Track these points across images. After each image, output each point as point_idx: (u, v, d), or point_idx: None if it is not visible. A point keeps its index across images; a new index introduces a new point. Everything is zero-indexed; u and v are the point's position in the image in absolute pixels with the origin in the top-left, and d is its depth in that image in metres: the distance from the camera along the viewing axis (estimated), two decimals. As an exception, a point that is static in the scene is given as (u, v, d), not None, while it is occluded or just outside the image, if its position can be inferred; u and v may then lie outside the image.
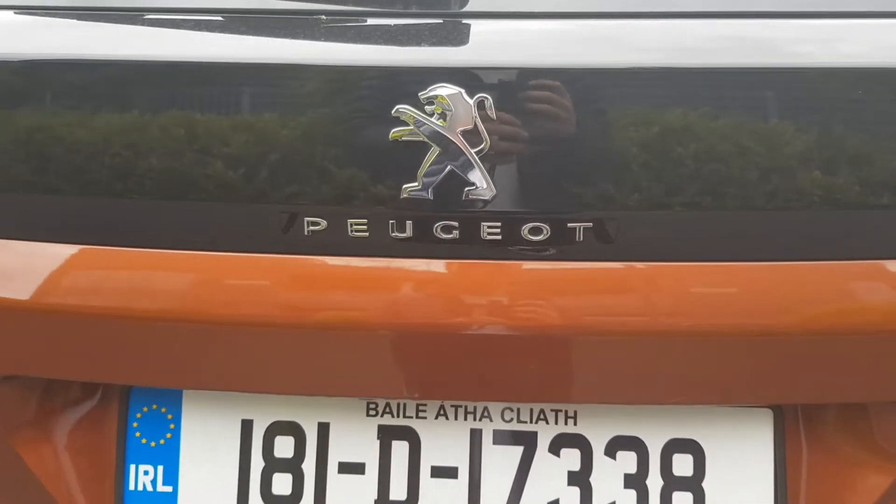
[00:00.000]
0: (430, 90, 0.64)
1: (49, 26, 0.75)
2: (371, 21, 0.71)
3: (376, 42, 0.69)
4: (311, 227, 0.67)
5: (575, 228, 0.66)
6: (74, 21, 0.74)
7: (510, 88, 0.64)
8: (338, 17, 0.70)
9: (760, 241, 0.68)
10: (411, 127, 0.64)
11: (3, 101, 0.69)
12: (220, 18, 0.71)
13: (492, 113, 0.64)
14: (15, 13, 0.74)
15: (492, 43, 0.68)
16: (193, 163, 0.67)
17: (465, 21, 0.70)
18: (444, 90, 0.63)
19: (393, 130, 0.64)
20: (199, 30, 0.71)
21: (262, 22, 0.71)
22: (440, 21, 0.71)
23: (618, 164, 0.66)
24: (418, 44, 0.69)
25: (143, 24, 0.71)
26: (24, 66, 0.71)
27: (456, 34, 0.69)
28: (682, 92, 0.66)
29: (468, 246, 0.67)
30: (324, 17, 0.69)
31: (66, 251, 0.71)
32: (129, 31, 0.71)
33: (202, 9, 0.72)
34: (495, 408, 0.75)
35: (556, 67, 0.66)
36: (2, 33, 0.73)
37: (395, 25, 0.70)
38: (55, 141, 0.68)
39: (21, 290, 0.71)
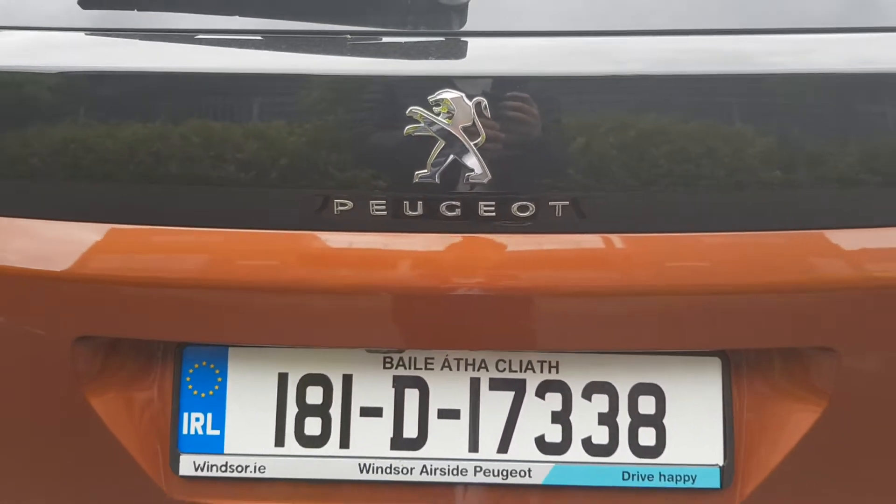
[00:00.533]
0: (437, 94, 0.79)
1: (110, 45, 0.90)
2: (386, 39, 0.87)
3: (392, 56, 0.84)
4: (340, 208, 0.82)
5: (555, 206, 0.81)
6: (134, 41, 0.89)
7: (502, 93, 0.80)
8: (360, 36, 0.86)
9: (708, 216, 0.83)
10: (422, 124, 0.79)
11: (91, 107, 0.84)
12: (278, 38, 0.87)
13: (487, 112, 0.79)
14: (85, 34, 0.89)
15: (486, 56, 0.83)
16: (248, 161, 0.82)
17: (463, 38, 0.85)
18: (449, 94, 0.79)
19: (407, 127, 0.79)
20: (262, 48, 0.87)
21: (306, 40, 0.86)
22: (443, 38, 0.86)
23: (588, 154, 0.81)
24: (426, 57, 0.84)
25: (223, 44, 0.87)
26: (99, 76, 0.85)
27: (457, 49, 0.84)
28: (641, 97, 0.82)
29: (468, 221, 0.82)
30: (349, 36, 0.85)
31: (134, 231, 0.85)
32: (201, 48, 0.86)
33: (264, 30, 0.87)
34: (490, 359, 0.90)
35: (538, 76, 0.81)
36: (72, 50, 0.88)
37: (406, 42, 0.86)
38: (143, 148, 0.83)
39: (97, 265, 0.85)
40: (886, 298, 0.83)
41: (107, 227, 0.85)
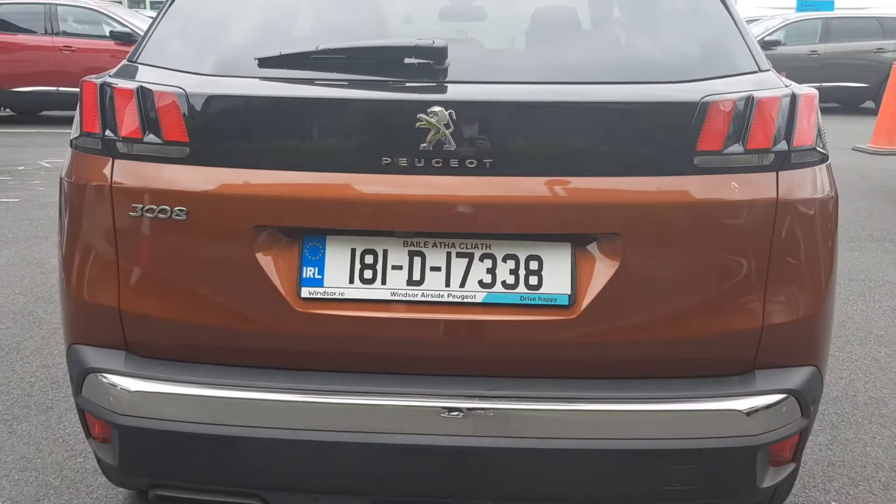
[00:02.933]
0: (432, 108, 1.71)
1: (271, 84, 1.83)
2: (408, 83, 1.80)
3: (412, 92, 1.77)
4: (384, 161, 1.74)
5: (486, 162, 1.72)
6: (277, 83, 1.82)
7: (468, 107, 1.72)
8: (394, 80, 1.78)
9: (560, 169, 1.75)
10: (426, 119, 1.71)
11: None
12: (347, 79, 1.80)
13: (454, 117, 1.71)
14: (259, 80, 1.82)
15: (458, 91, 1.76)
16: (343, 144, 1.75)
17: (446, 81, 1.78)
18: (437, 108, 1.71)
19: (417, 123, 1.71)
20: (338, 85, 1.80)
21: (368, 83, 1.79)
22: (437, 81, 1.78)
23: (514, 136, 1.73)
24: (429, 92, 1.76)
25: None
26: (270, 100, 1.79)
27: (443, 87, 1.76)
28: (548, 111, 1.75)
29: (445, 169, 1.73)
30: (390, 81, 1.78)
31: (288, 174, 1.77)
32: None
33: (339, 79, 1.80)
34: (457, 242, 1.80)
35: (480, 101, 1.74)
36: (253, 87, 1.81)
37: (417, 85, 1.78)
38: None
39: (268, 190, 1.76)
40: (642, 208, 1.74)
41: (276, 172, 1.77)
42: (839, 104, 15.60)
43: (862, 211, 7.03)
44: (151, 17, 13.75)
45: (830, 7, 23.14)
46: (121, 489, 2.65)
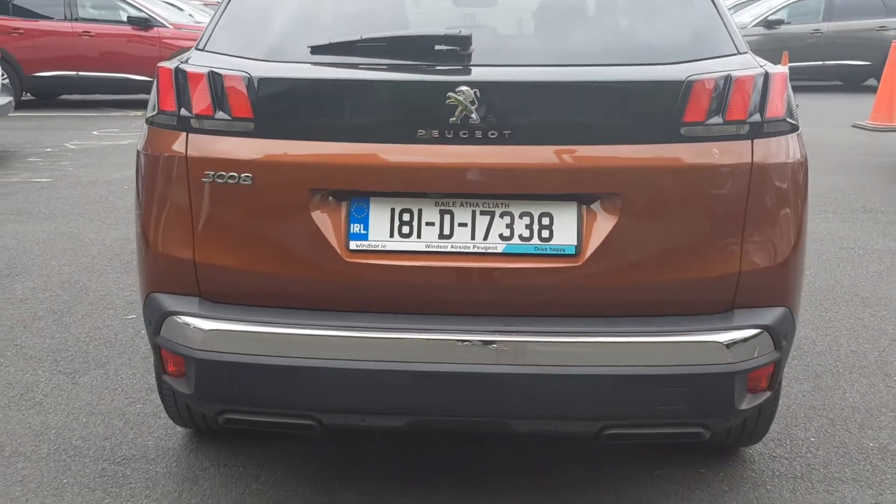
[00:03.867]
0: (459, 87, 2.03)
1: (320, 69, 2.15)
2: (438, 66, 2.11)
3: (442, 74, 2.09)
4: (419, 132, 2.06)
5: (506, 133, 2.04)
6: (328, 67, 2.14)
7: (490, 87, 2.03)
8: (426, 63, 2.10)
9: (562, 140, 2.07)
10: (454, 97, 2.03)
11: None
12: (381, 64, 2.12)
13: (478, 95, 2.03)
14: (311, 64, 2.14)
15: (481, 73, 2.07)
16: (380, 120, 2.07)
17: (471, 65, 2.09)
18: (464, 87, 2.03)
19: (447, 101, 2.03)
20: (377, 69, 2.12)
21: (405, 66, 2.11)
22: (463, 65, 2.10)
23: (528, 111, 2.05)
24: (457, 74, 2.08)
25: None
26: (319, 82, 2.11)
27: (468, 70, 2.08)
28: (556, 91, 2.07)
29: (469, 139, 2.05)
30: (423, 64, 2.10)
31: (341, 145, 2.09)
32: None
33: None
34: (480, 202, 2.12)
35: (500, 82, 2.06)
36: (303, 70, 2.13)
37: (446, 68, 2.10)
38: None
39: (323, 155, 2.09)
40: (637, 172, 2.06)
41: (327, 143, 2.09)
42: (842, 82, 15.81)
43: (857, 185, 7.32)
44: (164, 1, 14.05)
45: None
46: (179, 429, 3.01)
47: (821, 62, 15.31)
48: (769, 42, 15.01)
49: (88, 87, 12.47)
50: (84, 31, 12.06)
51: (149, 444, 2.94)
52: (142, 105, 12.69)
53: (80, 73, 12.14)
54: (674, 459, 2.81)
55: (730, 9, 12.80)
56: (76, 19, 12.18)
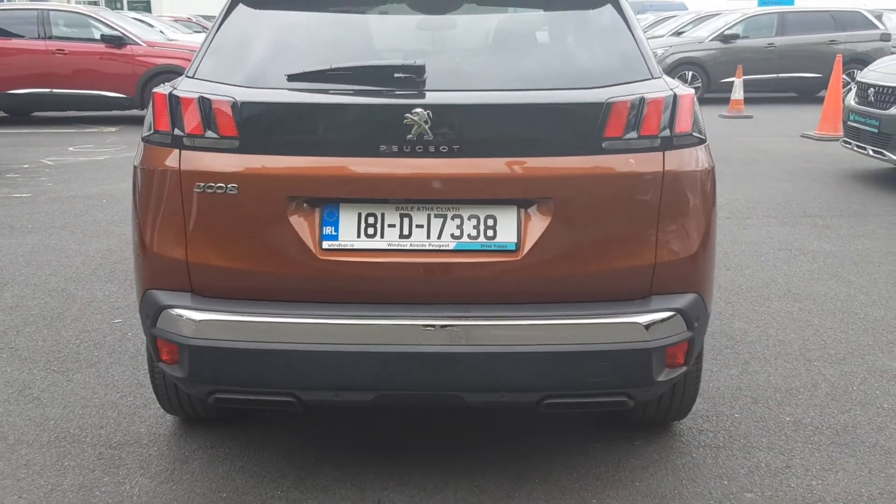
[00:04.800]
0: (415, 109, 2.38)
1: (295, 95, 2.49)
2: (397, 91, 2.46)
3: (400, 98, 2.44)
4: (381, 147, 2.41)
5: (454, 147, 2.40)
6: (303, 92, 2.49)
7: (440, 108, 2.39)
8: (388, 92, 2.45)
9: (504, 151, 2.43)
10: (410, 117, 2.39)
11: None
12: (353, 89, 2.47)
13: (432, 115, 2.38)
14: (287, 91, 2.48)
15: (433, 97, 2.42)
16: (346, 137, 2.42)
17: (425, 90, 2.45)
18: (419, 109, 2.38)
19: (404, 120, 2.38)
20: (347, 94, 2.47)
21: (371, 91, 2.46)
22: (418, 90, 2.45)
23: (474, 128, 2.41)
24: (412, 98, 2.43)
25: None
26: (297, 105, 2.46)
27: (423, 94, 2.43)
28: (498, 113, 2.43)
29: (423, 152, 2.40)
30: (385, 91, 2.46)
31: (314, 159, 2.43)
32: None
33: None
34: (434, 207, 2.47)
35: (453, 103, 2.42)
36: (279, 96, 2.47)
37: (403, 93, 2.45)
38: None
39: (297, 166, 2.43)
40: (567, 180, 2.42)
41: (302, 158, 2.43)
42: (797, 93, 16.45)
43: (800, 191, 7.80)
44: (136, 19, 14.28)
45: (790, 2, 24.01)
46: (169, 417, 3.32)
47: (775, 75, 15.93)
48: (725, 55, 15.60)
49: (62, 103, 12.68)
50: (58, 49, 12.28)
51: (141, 431, 3.24)
52: (115, 121, 12.99)
53: (55, 91, 12.35)
54: (612, 433, 3.18)
55: (689, 23, 13.49)
56: (50, 37, 12.40)
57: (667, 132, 2.45)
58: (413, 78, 2.43)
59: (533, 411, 2.57)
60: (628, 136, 2.42)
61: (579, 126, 2.43)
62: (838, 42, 15.72)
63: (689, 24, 17.91)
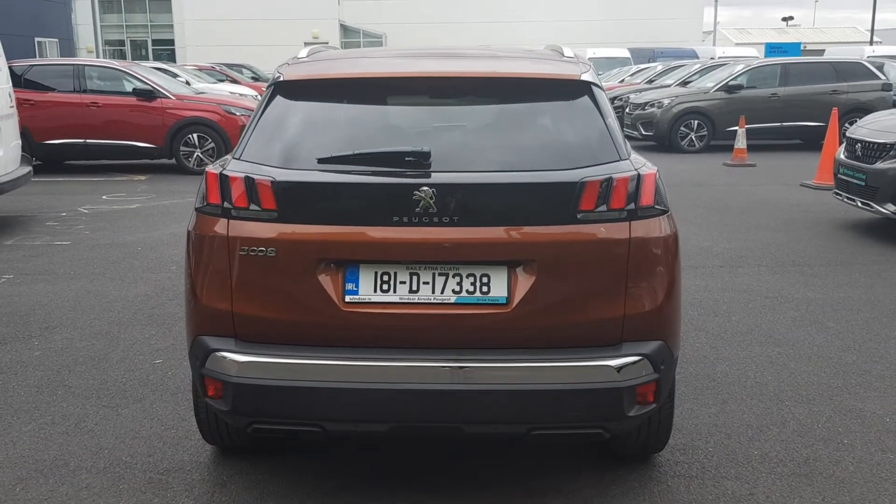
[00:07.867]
0: (422, 187, 2.87)
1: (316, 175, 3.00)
2: (407, 172, 2.96)
3: (409, 178, 2.93)
4: (394, 218, 2.89)
5: (455, 217, 2.89)
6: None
7: (443, 187, 2.88)
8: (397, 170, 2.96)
9: (491, 221, 2.92)
10: (418, 194, 2.88)
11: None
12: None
13: (436, 193, 2.88)
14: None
15: (437, 177, 2.91)
16: (359, 205, 2.92)
17: (430, 171, 2.94)
18: (425, 188, 2.87)
19: (413, 196, 2.87)
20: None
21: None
22: (425, 171, 2.95)
23: (471, 203, 2.90)
24: (419, 178, 2.92)
25: None
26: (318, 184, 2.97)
27: (428, 174, 2.92)
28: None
29: (428, 221, 2.89)
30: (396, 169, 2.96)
31: (334, 227, 2.93)
32: None
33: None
34: (438, 267, 2.94)
35: (455, 183, 2.92)
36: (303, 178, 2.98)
37: (412, 173, 2.95)
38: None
39: (325, 233, 2.92)
40: (548, 245, 2.90)
41: (330, 227, 2.93)
42: (802, 141, 16.93)
43: (793, 240, 8.23)
44: (157, 69, 15.01)
45: (797, 52, 24.62)
46: (208, 447, 3.79)
47: (779, 123, 16.44)
48: (729, 105, 16.14)
49: (95, 153, 13.36)
50: (92, 102, 13.00)
51: (184, 459, 3.71)
52: (144, 170, 13.63)
53: (88, 141, 13.04)
54: (599, 463, 3.61)
55: (695, 73, 14.21)
56: (84, 91, 13.13)
57: (632, 205, 2.93)
58: (420, 161, 2.93)
59: (522, 441, 3.02)
60: (599, 208, 2.90)
61: (558, 200, 2.92)
62: (840, 92, 16.23)
63: (695, 73, 18.51)
